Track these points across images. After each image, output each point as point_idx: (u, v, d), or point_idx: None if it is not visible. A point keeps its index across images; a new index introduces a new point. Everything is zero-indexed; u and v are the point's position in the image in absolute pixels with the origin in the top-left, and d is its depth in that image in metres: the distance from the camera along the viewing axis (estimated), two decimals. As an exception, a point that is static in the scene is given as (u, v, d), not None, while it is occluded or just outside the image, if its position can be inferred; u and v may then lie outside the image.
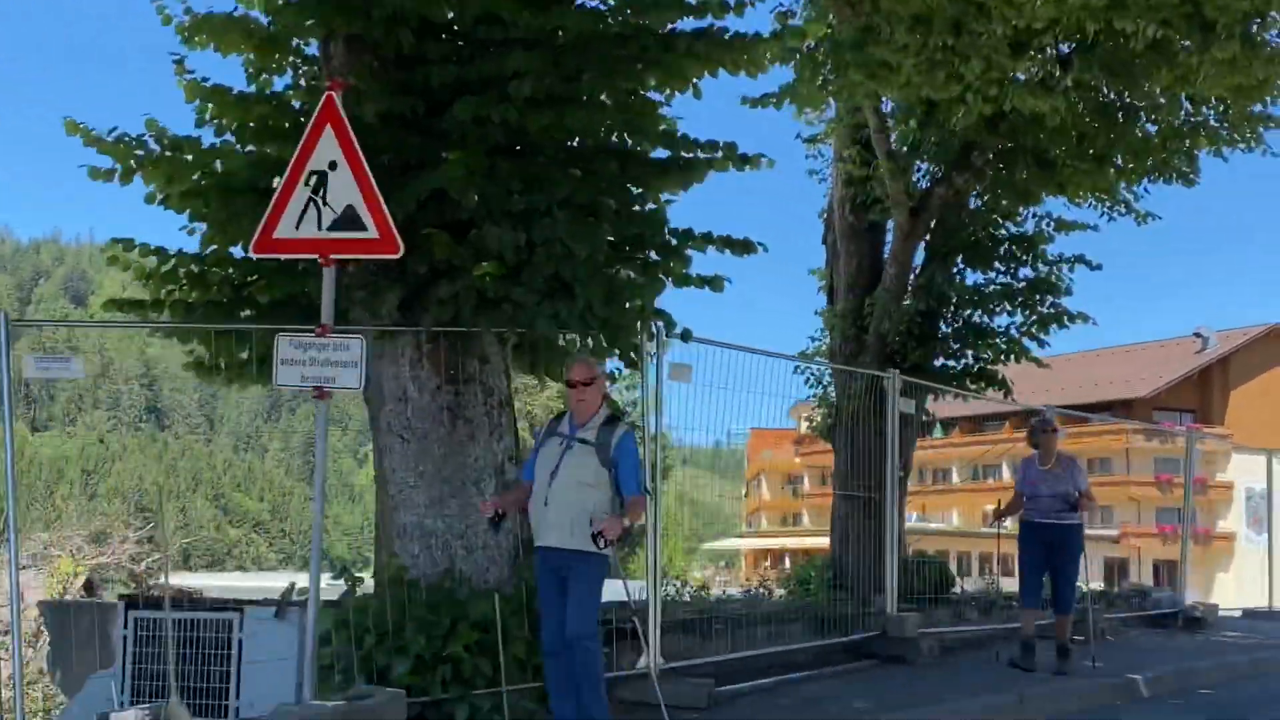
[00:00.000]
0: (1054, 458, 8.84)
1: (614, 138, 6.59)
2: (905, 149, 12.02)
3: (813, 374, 12.78)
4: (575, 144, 6.54)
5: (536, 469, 5.66)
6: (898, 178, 11.50)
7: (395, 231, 5.55)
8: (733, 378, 7.86)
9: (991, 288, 12.46)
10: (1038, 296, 12.28)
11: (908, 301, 12.38)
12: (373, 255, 5.72)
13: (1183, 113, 11.73)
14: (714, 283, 6.74)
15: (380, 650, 6.07)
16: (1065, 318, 12.25)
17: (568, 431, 5.61)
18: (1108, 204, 12.88)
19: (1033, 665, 8.64)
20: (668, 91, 6.78)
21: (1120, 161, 11.86)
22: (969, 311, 12.44)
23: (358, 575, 6.68)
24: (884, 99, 12.04)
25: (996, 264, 12.46)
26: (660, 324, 6.75)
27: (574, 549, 5.46)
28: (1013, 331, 12.31)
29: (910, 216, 11.73)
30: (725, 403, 8.58)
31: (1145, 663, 9.76)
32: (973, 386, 12.36)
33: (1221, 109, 11.60)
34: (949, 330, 12.39)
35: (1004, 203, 12.45)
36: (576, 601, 5.45)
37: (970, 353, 12.40)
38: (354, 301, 6.38)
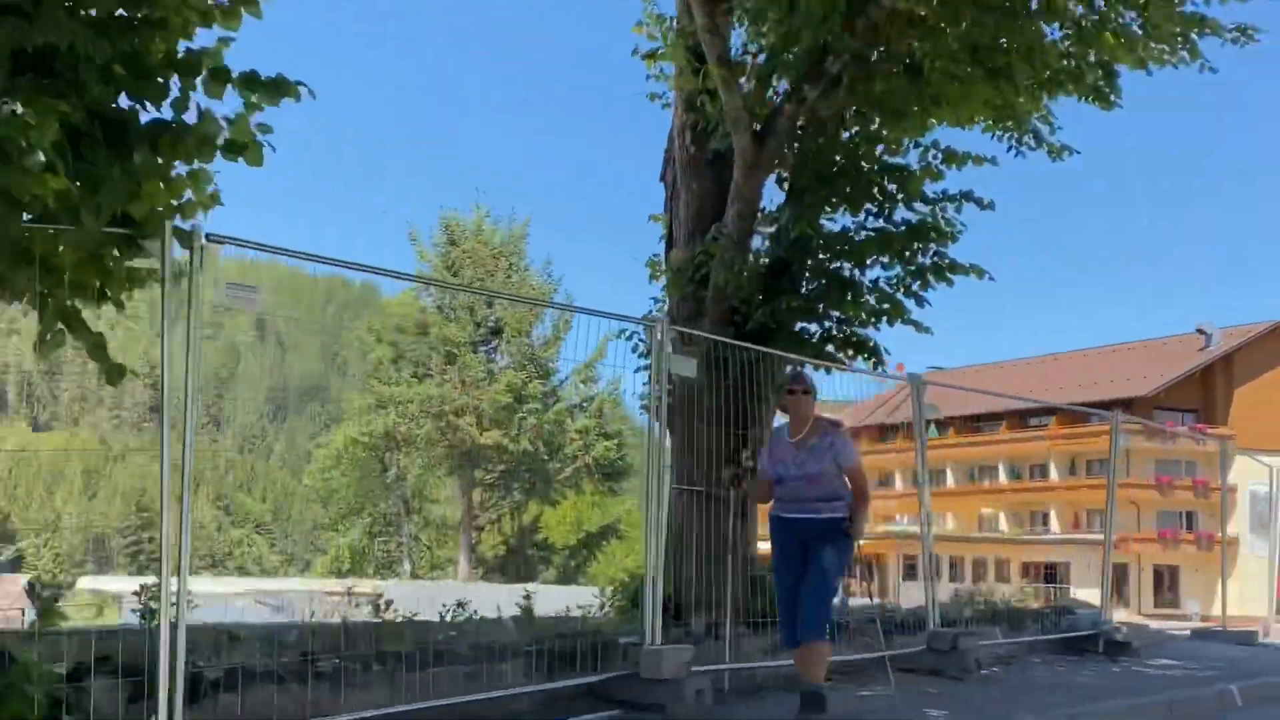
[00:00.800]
0: (807, 426, 6.28)
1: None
2: (750, 54, 9.70)
3: (641, 342, 10.43)
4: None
5: None
6: (733, 90, 9.17)
7: None
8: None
9: (863, 234, 10.10)
10: (917, 244, 9.91)
11: (760, 249, 10.08)
12: None
13: (1094, 12, 9.40)
14: (250, 152, 4.40)
15: None
16: (950, 270, 9.88)
17: None
18: (1013, 133, 10.51)
19: None
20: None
21: (1019, 76, 9.51)
22: (836, 263, 10.09)
23: None
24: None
25: (869, 205, 10.09)
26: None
27: None
28: (885, 286, 9.93)
29: (754, 142, 9.39)
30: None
31: (1020, 707, 7.40)
32: (839, 355, 10.01)
33: (1143, 3, 9.25)
34: (813, 286, 10.04)
35: (884, 131, 10.12)
36: None
37: (835, 313, 10.05)
38: None
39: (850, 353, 10.01)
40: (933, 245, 9.92)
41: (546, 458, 40.20)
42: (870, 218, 10.08)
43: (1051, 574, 56.94)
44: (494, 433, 39.01)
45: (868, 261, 9.99)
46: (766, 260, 10.15)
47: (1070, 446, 55.91)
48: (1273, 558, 14.86)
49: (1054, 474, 58.38)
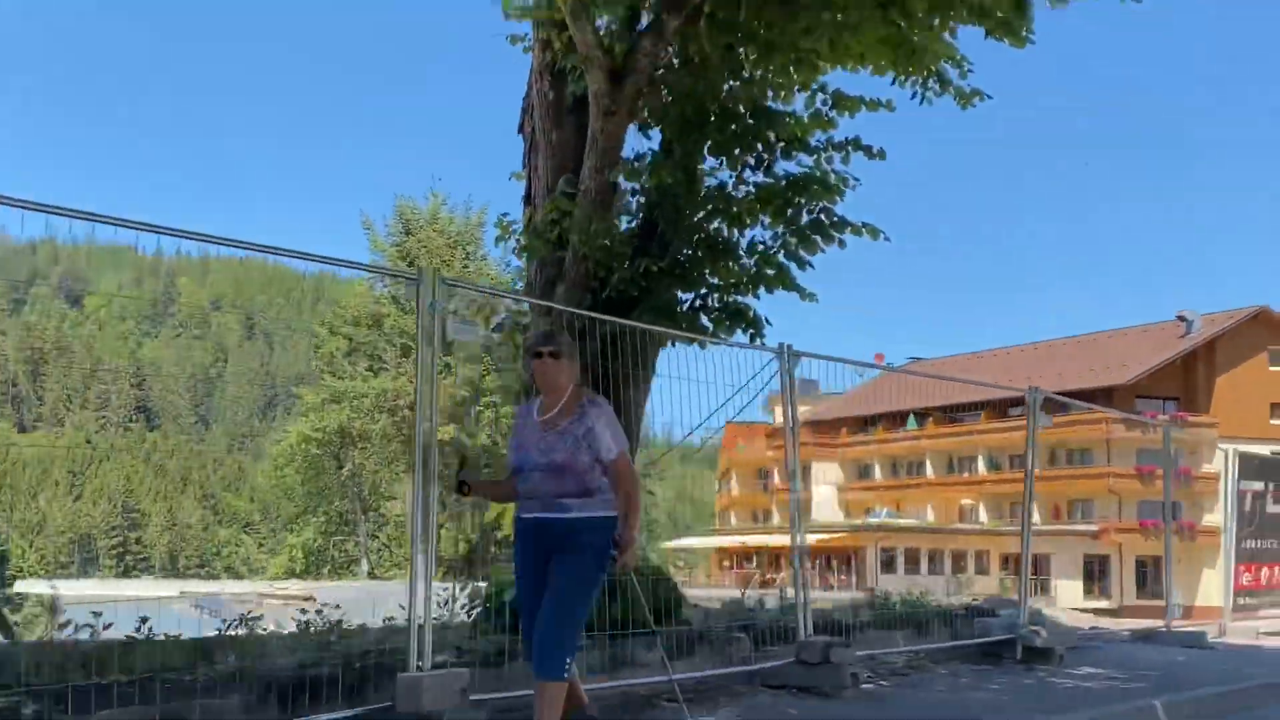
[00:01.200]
0: (560, 402, 4.87)
1: None
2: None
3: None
4: None
5: None
6: (582, 21, 7.99)
7: None
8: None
9: (744, 189, 8.92)
10: (800, 200, 8.74)
11: (626, 206, 8.91)
12: None
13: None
14: None
15: None
16: (836, 228, 8.72)
17: None
18: (917, 77, 9.33)
19: None
20: None
21: (912, 6, 8.35)
22: (713, 223, 8.92)
23: None
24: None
25: (748, 157, 8.91)
26: None
27: None
28: (764, 247, 8.76)
29: (610, 82, 8.22)
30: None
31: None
32: (716, 327, 8.83)
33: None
34: (684, 249, 8.85)
35: (763, 73, 8.95)
36: None
37: (715, 279, 8.88)
38: None
39: (727, 323, 8.85)
40: (819, 201, 8.75)
41: (505, 452, 38.83)
42: (749, 171, 8.91)
43: (1032, 566, 55.89)
44: (450, 428, 37.70)
45: (746, 221, 8.82)
46: (638, 220, 9.00)
47: (1049, 436, 54.84)
48: (1228, 550, 13.73)
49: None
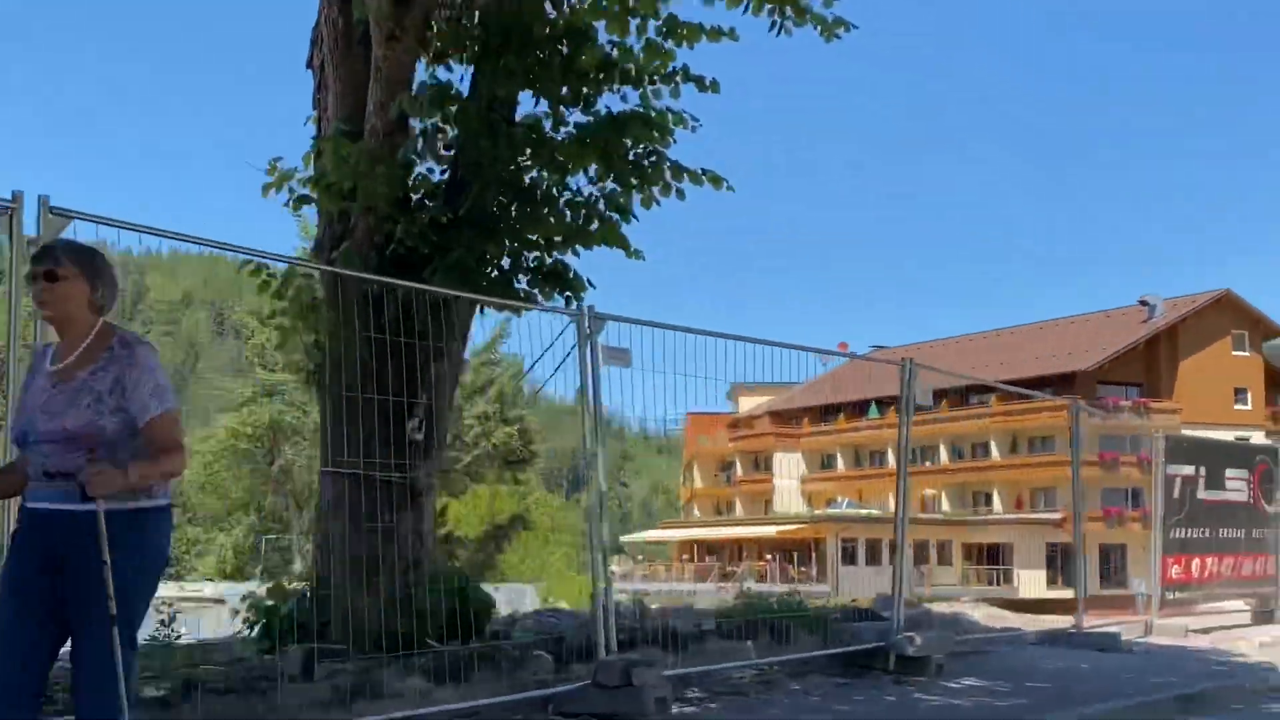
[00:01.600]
0: (82, 345, 3.40)
1: None
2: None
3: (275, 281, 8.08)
4: None
5: None
6: (354, -71, 6.74)
7: None
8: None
9: (564, 131, 7.67)
10: (627, 141, 7.50)
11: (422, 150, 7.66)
12: None
13: None
14: None
15: None
16: (671, 174, 7.49)
17: None
18: (774, 5, 8.11)
19: None
20: None
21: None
22: (535, 170, 7.68)
23: None
24: None
25: (564, 91, 7.65)
26: None
27: None
28: (581, 198, 7.52)
29: (394, 3, 6.98)
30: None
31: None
32: (534, 291, 7.60)
33: None
34: (494, 199, 7.60)
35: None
36: None
37: (534, 234, 7.65)
38: None
39: (544, 286, 7.62)
40: (648, 143, 7.52)
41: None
42: (568, 110, 7.66)
43: (995, 556, 55.04)
44: (386, 420, 36.16)
45: (568, 167, 7.57)
46: (446, 167, 7.77)
47: (1010, 424, 54.00)
48: (1155, 542, 12.62)
49: (995, 453, 56.44)
